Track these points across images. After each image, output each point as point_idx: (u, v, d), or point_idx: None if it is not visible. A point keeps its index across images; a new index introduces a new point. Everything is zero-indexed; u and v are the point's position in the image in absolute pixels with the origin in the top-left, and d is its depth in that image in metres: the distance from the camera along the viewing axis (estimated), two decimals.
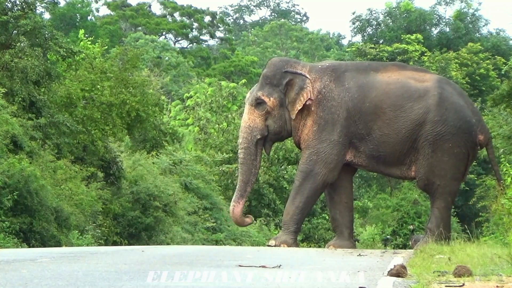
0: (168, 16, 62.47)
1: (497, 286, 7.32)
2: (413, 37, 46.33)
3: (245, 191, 15.58)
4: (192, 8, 62.25)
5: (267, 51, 66.58)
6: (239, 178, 15.74)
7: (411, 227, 31.69)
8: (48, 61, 20.63)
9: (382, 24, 49.86)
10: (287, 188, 30.18)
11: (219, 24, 63.64)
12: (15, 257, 10.15)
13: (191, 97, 42.47)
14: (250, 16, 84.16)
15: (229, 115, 35.09)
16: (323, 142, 15.07)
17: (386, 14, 50.03)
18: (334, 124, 15.07)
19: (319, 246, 28.19)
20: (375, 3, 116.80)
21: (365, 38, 49.49)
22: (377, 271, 8.67)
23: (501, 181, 15.00)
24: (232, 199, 15.71)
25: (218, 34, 64.00)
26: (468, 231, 15.31)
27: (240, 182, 15.61)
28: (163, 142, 29.51)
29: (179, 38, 62.01)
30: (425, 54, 44.76)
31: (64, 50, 20.75)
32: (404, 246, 29.12)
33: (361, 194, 40.75)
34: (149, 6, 62.22)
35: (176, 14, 62.47)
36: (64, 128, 20.08)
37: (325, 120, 15.11)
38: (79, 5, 55.27)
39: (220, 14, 69.21)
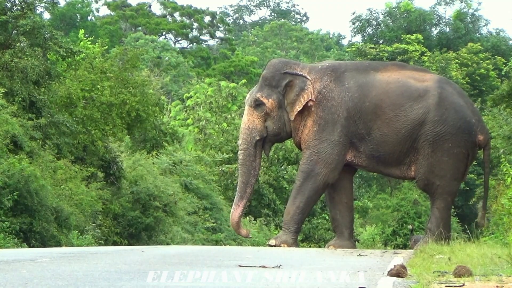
0: (168, 16, 62.46)
1: (497, 286, 7.32)
2: (413, 37, 46.34)
3: (245, 192, 15.56)
4: (192, 8, 62.26)
5: (267, 51, 66.57)
6: (239, 179, 15.74)
7: (410, 226, 31.68)
8: (48, 61, 20.63)
9: (382, 24, 49.87)
10: (287, 188, 30.19)
11: (219, 24, 63.64)
12: (15, 257, 10.14)
13: (191, 97, 42.47)
14: (250, 16, 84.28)
15: (229, 116, 35.11)
16: (324, 142, 15.05)
17: (386, 14, 50.06)
18: (334, 124, 15.05)
19: (319, 246, 28.18)
20: (375, 3, 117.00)
21: (365, 38, 49.52)
22: (377, 271, 8.67)
23: (488, 187, 15.48)
24: (234, 202, 15.72)
25: (218, 34, 64.04)
26: (468, 231, 15.30)
27: (240, 183, 15.62)
28: (163, 142, 29.53)
29: (179, 38, 62.01)
30: (425, 54, 44.78)
31: (64, 50, 20.75)
32: (404, 246, 29.10)
33: (361, 194, 40.75)
34: (149, 6, 62.26)
35: (176, 14, 62.47)
36: (64, 128, 20.08)
37: (325, 120, 15.08)
38: (79, 5, 55.30)
39: (220, 14, 69.20)
